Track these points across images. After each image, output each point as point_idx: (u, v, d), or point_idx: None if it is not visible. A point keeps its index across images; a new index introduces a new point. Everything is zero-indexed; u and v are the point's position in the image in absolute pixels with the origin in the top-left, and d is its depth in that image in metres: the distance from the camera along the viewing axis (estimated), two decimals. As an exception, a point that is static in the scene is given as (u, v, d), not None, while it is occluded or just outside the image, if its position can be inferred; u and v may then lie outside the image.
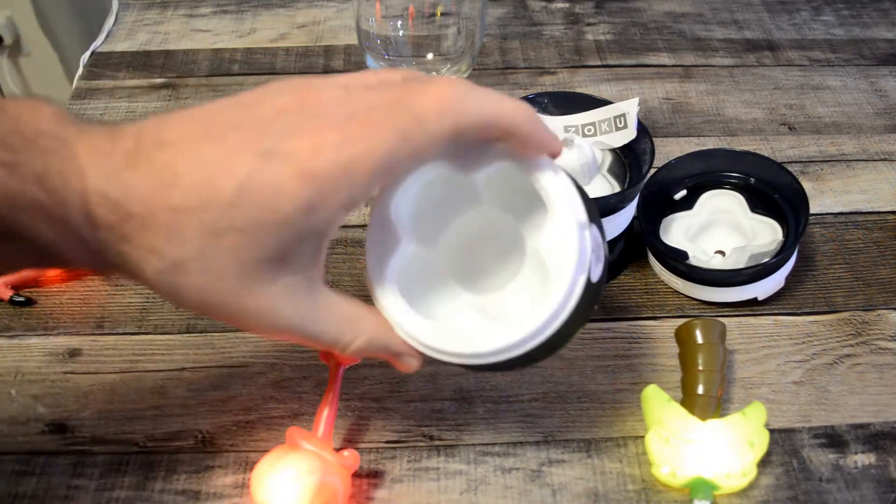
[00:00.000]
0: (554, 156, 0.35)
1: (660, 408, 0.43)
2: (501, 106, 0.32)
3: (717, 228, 0.55)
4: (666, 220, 0.55)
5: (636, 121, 0.52)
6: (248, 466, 0.44)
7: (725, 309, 0.52)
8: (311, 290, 0.33)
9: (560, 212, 0.33)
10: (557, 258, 0.33)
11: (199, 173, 0.30)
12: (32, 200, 0.29)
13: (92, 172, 0.30)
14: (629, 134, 0.52)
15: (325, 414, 0.42)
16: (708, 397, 0.44)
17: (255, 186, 0.30)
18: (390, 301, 0.35)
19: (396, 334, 0.36)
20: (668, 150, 0.63)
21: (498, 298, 0.39)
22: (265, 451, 0.41)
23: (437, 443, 0.45)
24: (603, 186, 0.52)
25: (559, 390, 0.48)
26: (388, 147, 0.30)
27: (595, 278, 0.34)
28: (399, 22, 0.53)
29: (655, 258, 0.54)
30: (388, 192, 0.35)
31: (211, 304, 0.31)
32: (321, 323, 0.34)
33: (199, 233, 0.30)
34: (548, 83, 0.70)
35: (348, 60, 0.72)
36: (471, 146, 0.34)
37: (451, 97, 0.31)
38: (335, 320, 0.34)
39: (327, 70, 0.71)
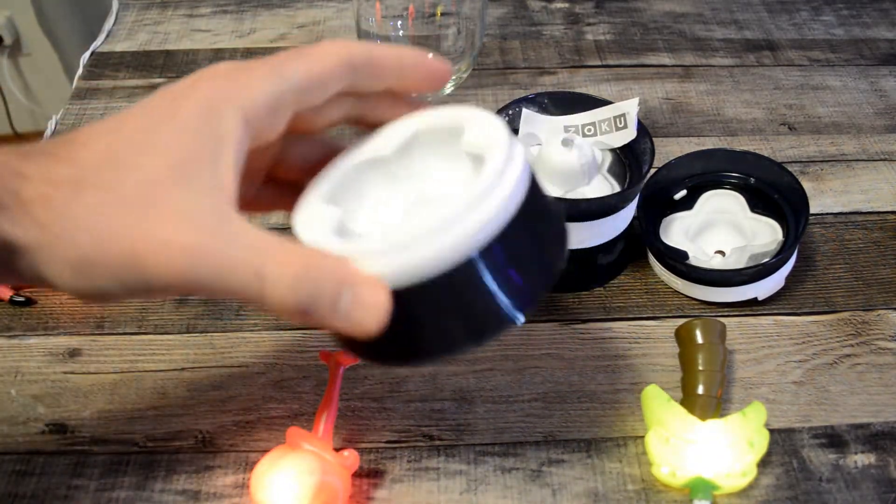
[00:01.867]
0: (444, 79, 0.35)
1: (660, 408, 0.43)
2: (372, 46, 0.33)
3: (717, 228, 0.55)
4: (666, 220, 0.55)
5: (636, 121, 0.52)
6: (248, 466, 0.44)
7: (725, 309, 0.52)
8: (226, 210, 0.29)
9: (489, 120, 0.32)
10: (489, 148, 0.31)
11: (110, 118, 0.30)
12: None
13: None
14: (629, 134, 0.52)
15: (325, 414, 0.42)
16: (708, 397, 0.44)
17: (154, 103, 0.30)
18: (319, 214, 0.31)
19: (340, 260, 0.28)
20: (668, 150, 0.63)
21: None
22: (265, 451, 0.41)
23: (437, 443, 0.45)
24: (603, 186, 0.52)
25: (559, 390, 0.48)
26: (282, 57, 0.31)
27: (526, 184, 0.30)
28: (399, 22, 0.53)
29: (655, 258, 0.54)
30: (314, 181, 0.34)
31: (106, 229, 0.28)
32: (240, 244, 0.28)
33: (97, 153, 0.29)
34: (548, 83, 0.71)
35: (348, 60, 0.72)
36: (374, 98, 0.34)
37: (335, 45, 0.32)
38: (260, 242, 0.28)
39: (327, 70, 0.71)
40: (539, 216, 0.31)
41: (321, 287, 0.28)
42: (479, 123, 0.33)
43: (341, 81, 0.32)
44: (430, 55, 0.34)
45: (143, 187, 0.28)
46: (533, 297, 0.31)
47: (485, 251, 0.29)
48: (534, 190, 0.31)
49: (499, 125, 0.32)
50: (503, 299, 0.30)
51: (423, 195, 0.35)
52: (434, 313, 0.29)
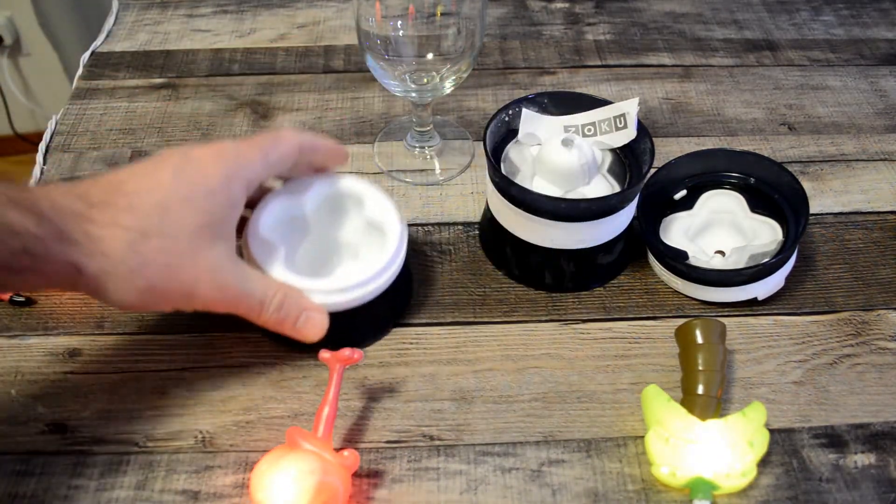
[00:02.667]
0: (341, 159, 0.49)
1: (660, 408, 0.43)
2: (313, 137, 0.48)
3: (717, 228, 0.55)
4: (666, 220, 0.55)
5: (636, 121, 0.52)
6: (248, 466, 0.44)
7: (725, 309, 0.52)
8: (237, 257, 0.43)
9: (385, 202, 0.49)
10: (389, 223, 0.48)
11: (141, 173, 0.41)
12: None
13: (50, 187, 0.39)
14: (629, 134, 0.52)
15: (325, 414, 0.42)
16: (708, 397, 0.44)
17: (186, 170, 0.41)
18: (283, 271, 0.45)
19: (301, 293, 0.44)
20: (668, 150, 0.63)
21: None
22: (265, 451, 0.41)
23: (437, 443, 0.45)
24: (603, 186, 0.52)
25: (559, 390, 0.48)
26: (263, 147, 0.44)
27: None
28: (399, 22, 0.53)
29: (655, 258, 0.54)
30: (254, 221, 0.47)
31: (171, 270, 0.39)
32: (251, 281, 0.43)
33: (152, 207, 0.39)
34: (548, 83, 0.71)
35: (348, 60, 0.72)
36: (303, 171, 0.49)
37: (293, 135, 0.46)
38: (261, 282, 0.43)
39: (327, 70, 0.71)
40: (404, 274, 0.50)
41: (291, 310, 0.44)
42: (376, 199, 0.49)
43: (293, 162, 0.46)
44: (339, 147, 0.49)
45: (192, 238, 0.40)
46: (395, 318, 0.52)
47: (381, 296, 0.47)
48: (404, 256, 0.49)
49: (392, 205, 0.49)
50: (383, 319, 0.51)
51: (336, 240, 0.52)
52: (349, 325, 0.48)
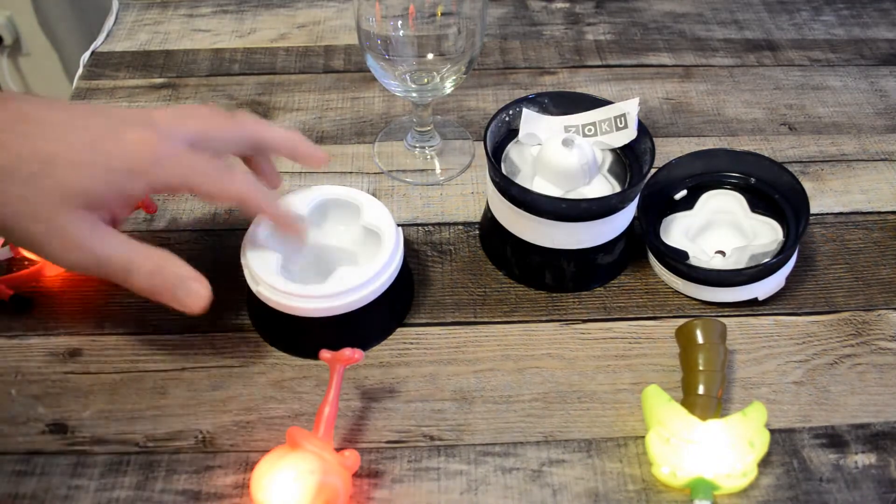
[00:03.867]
0: (320, 163, 0.49)
1: (660, 408, 0.43)
2: (272, 134, 0.47)
3: (718, 228, 0.55)
4: (666, 220, 0.55)
5: (636, 121, 0.52)
6: (248, 466, 0.44)
7: (725, 309, 0.52)
8: (105, 226, 0.41)
9: (376, 206, 0.50)
10: (385, 228, 0.49)
11: (59, 118, 0.39)
12: None
13: None
14: (629, 134, 0.52)
15: (325, 414, 0.42)
16: (708, 397, 0.44)
17: (100, 142, 0.39)
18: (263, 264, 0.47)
19: (184, 263, 0.42)
20: (668, 150, 0.63)
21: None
22: (265, 451, 0.41)
23: (437, 443, 0.45)
24: (603, 186, 0.52)
25: (559, 390, 0.48)
26: (194, 177, 0.42)
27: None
28: (399, 22, 0.53)
29: (655, 258, 0.54)
30: (253, 229, 0.48)
31: (25, 216, 0.38)
32: (112, 246, 0.40)
33: (38, 157, 0.38)
34: (548, 83, 0.71)
35: (348, 60, 0.72)
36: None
37: (249, 188, 0.44)
38: (126, 246, 0.41)
39: (327, 70, 0.71)
40: (404, 277, 0.51)
41: (168, 279, 0.42)
42: (372, 207, 0.50)
43: (241, 148, 0.46)
44: (311, 148, 0.48)
45: (61, 198, 0.38)
46: (393, 324, 0.51)
47: (381, 299, 0.48)
48: (403, 260, 0.49)
49: (387, 212, 0.50)
50: (384, 322, 0.51)
51: (333, 247, 0.52)
52: (350, 329, 0.48)
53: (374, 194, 0.55)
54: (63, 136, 0.39)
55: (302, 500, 0.38)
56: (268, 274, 0.46)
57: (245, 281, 0.47)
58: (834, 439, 0.46)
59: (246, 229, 0.48)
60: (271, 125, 0.48)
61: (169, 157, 0.41)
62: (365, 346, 0.50)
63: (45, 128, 0.39)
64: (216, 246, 0.56)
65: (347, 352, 0.43)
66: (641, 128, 0.52)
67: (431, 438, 0.45)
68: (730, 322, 0.50)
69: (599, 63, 0.73)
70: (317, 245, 0.52)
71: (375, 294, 0.47)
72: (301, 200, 0.50)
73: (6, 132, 0.38)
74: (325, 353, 0.44)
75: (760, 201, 0.55)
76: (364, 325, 0.49)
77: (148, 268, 0.41)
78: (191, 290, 0.42)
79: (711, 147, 0.60)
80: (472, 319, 0.52)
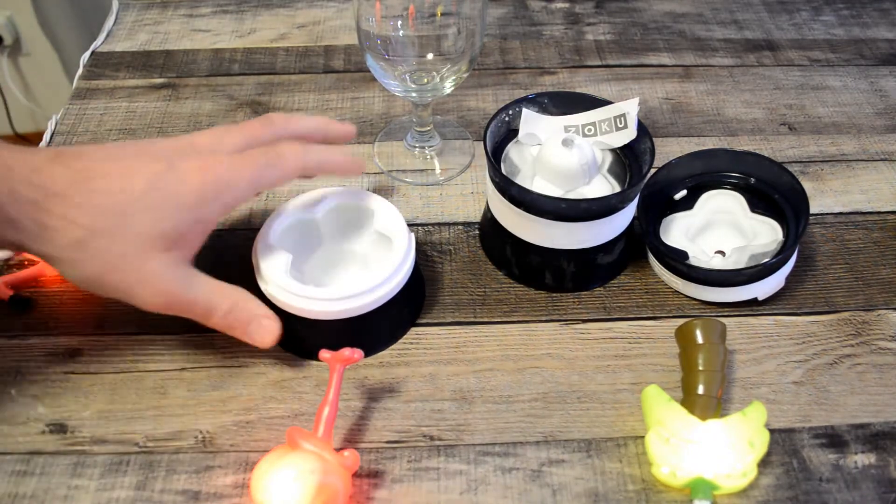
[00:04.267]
0: (348, 136, 0.51)
1: (660, 408, 0.43)
2: (319, 156, 0.47)
3: (717, 228, 0.55)
4: (666, 220, 0.55)
5: (636, 121, 0.52)
6: (248, 466, 0.44)
7: (725, 309, 0.52)
8: (188, 266, 0.43)
9: (390, 210, 0.50)
10: (397, 233, 0.49)
11: (116, 172, 0.40)
12: None
13: (17, 165, 0.39)
14: (629, 134, 0.52)
15: (325, 414, 0.42)
16: (708, 397, 0.44)
17: (164, 181, 0.41)
18: (274, 264, 0.46)
19: (257, 301, 0.45)
20: (668, 150, 0.63)
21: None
22: (265, 451, 0.41)
23: (437, 443, 0.45)
24: (603, 186, 0.52)
25: (559, 390, 0.48)
26: (257, 173, 0.44)
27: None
28: (399, 22, 0.53)
29: (655, 258, 0.54)
30: (265, 229, 0.48)
31: (113, 268, 0.40)
32: (195, 289, 0.43)
33: (111, 210, 0.40)
34: (548, 83, 0.71)
35: (348, 60, 0.72)
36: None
37: (300, 148, 0.46)
38: (207, 288, 0.43)
39: (327, 70, 0.71)
40: (415, 281, 0.51)
41: (241, 316, 0.44)
42: (386, 211, 0.50)
43: (290, 180, 0.46)
44: (349, 161, 0.49)
45: (143, 244, 0.40)
46: (406, 326, 0.51)
47: (392, 302, 0.47)
48: (415, 264, 0.49)
49: (400, 216, 0.50)
50: (395, 325, 0.51)
51: (345, 249, 0.53)
52: (360, 331, 0.48)
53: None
54: (129, 186, 0.40)
55: (302, 500, 0.38)
56: (277, 274, 0.46)
57: (255, 280, 0.47)
58: (834, 439, 0.46)
59: (246, 229, 0.49)
60: (298, 116, 0.49)
61: (229, 171, 0.43)
62: (373, 349, 0.50)
63: (110, 181, 0.40)
64: (216, 246, 0.56)
65: (347, 351, 0.43)
66: (641, 128, 0.52)
67: (431, 438, 0.45)
68: (730, 322, 0.50)
69: (599, 63, 0.73)
70: (328, 248, 0.52)
71: (386, 298, 0.47)
72: (313, 203, 0.50)
73: (79, 193, 0.39)
74: (325, 353, 0.44)
75: (760, 201, 0.55)
76: (373, 329, 0.49)
77: (225, 307, 0.43)
78: (262, 326, 0.44)
79: (711, 147, 0.60)
80: (472, 319, 0.52)
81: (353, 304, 0.45)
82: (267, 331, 0.44)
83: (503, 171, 0.51)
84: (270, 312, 0.45)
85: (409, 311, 0.51)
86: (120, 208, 0.40)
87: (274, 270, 0.46)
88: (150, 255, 0.41)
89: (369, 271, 0.47)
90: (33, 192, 0.39)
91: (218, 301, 0.43)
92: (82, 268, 0.40)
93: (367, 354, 0.48)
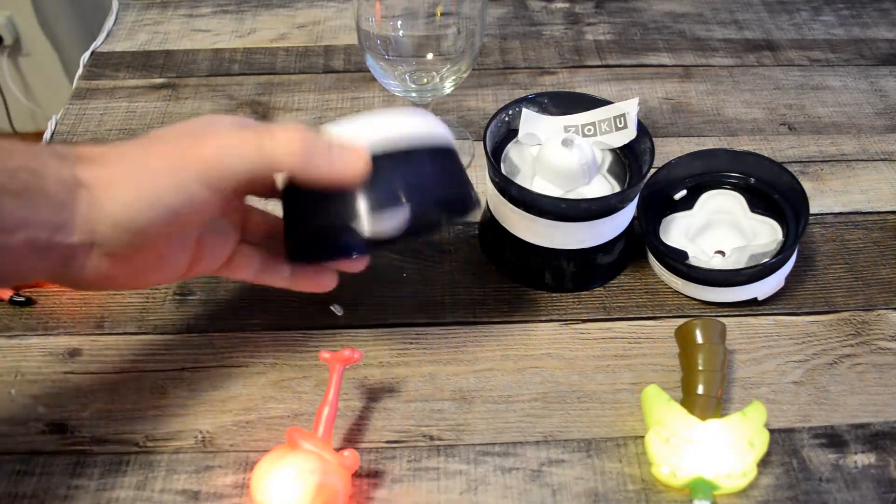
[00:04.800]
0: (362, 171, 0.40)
1: (660, 407, 0.43)
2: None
3: (717, 228, 0.55)
4: (666, 220, 0.55)
5: (636, 121, 0.52)
6: (248, 466, 0.44)
7: (725, 309, 0.52)
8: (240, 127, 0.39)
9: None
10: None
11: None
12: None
13: (51, 148, 0.37)
14: (629, 134, 0.52)
15: (325, 414, 0.42)
16: (708, 397, 0.44)
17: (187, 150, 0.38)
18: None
19: (328, 133, 0.39)
20: (668, 150, 0.63)
21: None
22: (265, 451, 0.41)
23: (437, 443, 0.45)
24: (603, 186, 0.52)
25: (559, 390, 0.48)
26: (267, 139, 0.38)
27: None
28: (399, 22, 0.53)
29: (655, 258, 0.54)
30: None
31: (180, 164, 0.37)
32: (257, 138, 0.38)
33: (139, 152, 0.37)
34: (548, 83, 0.71)
35: (348, 60, 0.72)
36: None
37: (298, 137, 0.39)
38: (287, 138, 0.38)
39: (327, 70, 0.71)
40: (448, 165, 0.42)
41: (317, 145, 0.38)
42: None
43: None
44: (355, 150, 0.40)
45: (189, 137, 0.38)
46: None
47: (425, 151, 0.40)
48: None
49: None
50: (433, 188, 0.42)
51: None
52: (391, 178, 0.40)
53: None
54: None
55: (301, 500, 0.38)
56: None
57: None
58: (833, 439, 0.46)
59: None
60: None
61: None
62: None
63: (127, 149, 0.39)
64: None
65: (347, 352, 0.43)
66: (641, 128, 0.52)
67: (431, 438, 0.45)
68: (729, 322, 0.50)
69: (599, 63, 0.73)
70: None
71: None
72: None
73: (110, 152, 0.38)
74: (325, 354, 0.44)
75: (760, 201, 0.55)
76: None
77: (298, 137, 0.38)
78: (347, 151, 0.39)
79: (711, 147, 0.60)
80: (472, 319, 0.52)
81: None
82: (354, 154, 0.38)
83: (503, 171, 0.51)
84: (349, 143, 0.39)
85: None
86: (143, 151, 0.38)
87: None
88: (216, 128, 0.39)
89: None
90: (71, 150, 0.37)
91: (287, 133, 0.38)
92: (144, 176, 0.37)
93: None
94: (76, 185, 0.36)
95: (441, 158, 0.42)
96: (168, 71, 0.71)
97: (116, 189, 0.36)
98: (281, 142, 0.38)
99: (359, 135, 0.39)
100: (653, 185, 0.55)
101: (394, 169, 0.40)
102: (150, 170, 0.37)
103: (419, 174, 0.41)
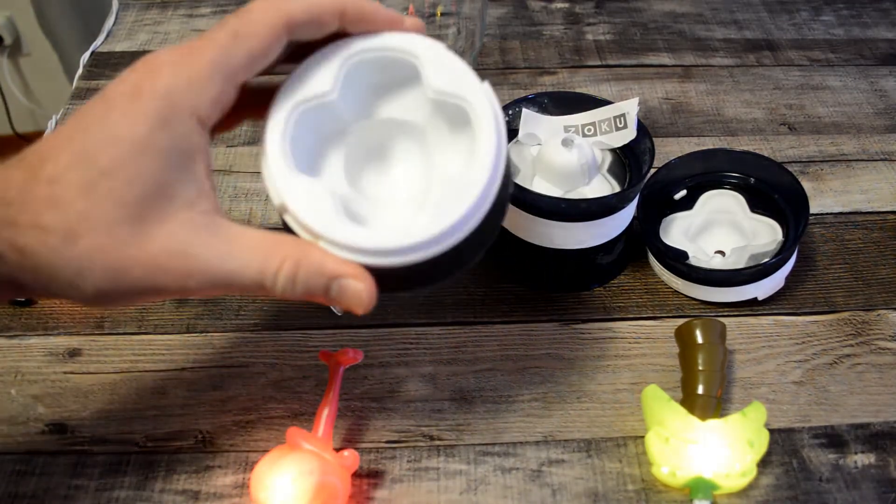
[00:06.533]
0: (395, 26, 0.34)
1: (660, 407, 0.43)
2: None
3: (717, 228, 0.55)
4: (666, 220, 0.55)
5: (636, 121, 0.52)
6: (248, 466, 0.44)
7: (725, 309, 0.52)
8: (213, 223, 0.31)
9: (476, 93, 0.33)
10: (469, 97, 0.33)
11: (64, 141, 0.30)
12: None
13: None
14: (629, 134, 0.52)
15: (324, 414, 0.42)
16: (708, 397, 0.44)
17: (105, 129, 0.30)
18: (312, 208, 0.32)
19: (325, 252, 0.32)
20: (668, 150, 0.63)
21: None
22: (265, 451, 0.41)
23: (437, 443, 0.45)
24: (603, 186, 0.52)
25: (559, 390, 0.48)
26: (219, 46, 0.31)
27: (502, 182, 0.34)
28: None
29: (655, 258, 0.54)
30: (270, 121, 0.33)
31: (119, 269, 0.30)
32: (237, 255, 0.31)
33: (75, 194, 0.29)
34: (548, 83, 0.71)
35: (348, 60, 0.72)
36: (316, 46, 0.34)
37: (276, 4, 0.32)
38: (252, 248, 0.31)
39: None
40: (503, 196, 0.34)
41: (314, 281, 0.32)
42: (439, 62, 0.34)
43: (280, 48, 0.33)
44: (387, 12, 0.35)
45: (131, 222, 0.30)
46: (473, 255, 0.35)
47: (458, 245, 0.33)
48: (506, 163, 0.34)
49: (463, 67, 0.34)
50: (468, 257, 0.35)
51: (393, 121, 0.36)
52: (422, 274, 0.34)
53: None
54: (78, 151, 0.31)
55: (301, 499, 0.38)
56: (328, 222, 0.32)
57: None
58: (833, 439, 0.46)
59: None
60: None
61: (175, 69, 0.31)
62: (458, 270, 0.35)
63: (60, 157, 0.31)
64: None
65: (349, 353, 0.43)
66: (641, 128, 0.52)
67: (431, 438, 0.45)
68: (729, 322, 0.50)
69: (599, 63, 0.73)
70: (369, 128, 0.37)
71: (474, 226, 0.32)
72: (321, 75, 0.34)
73: (29, 200, 0.30)
74: (325, 353, 0.44)
75: (760, 201, 0.55)
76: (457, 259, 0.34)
77: (286, 273, 0.32)
78: (348, 289, 0.32)
79: (711, 147, 0.60)
80: (472, 319, 0.52)
81: (444, 245, 0.32)
82: (354, 293, 0.32)
83: (503, 171, 0.51)
84: (353, 267, 0.32)
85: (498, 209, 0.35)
86: (82, 187, 0.30)
87: (320, 217, 0.32)
88: (150, 228, 0.30)
89: (440, 168, 0.34)
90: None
91: (274, 267, 0.31)
92: (84, 285, 0.30)
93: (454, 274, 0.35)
94: (20, 288, 0.31)
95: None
96: (168, 71, 0.71)
97: (65, 292, 0.31)
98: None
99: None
100: (653, 185, 0.55)
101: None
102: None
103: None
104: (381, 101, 0.37)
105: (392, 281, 0.33)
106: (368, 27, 0.34)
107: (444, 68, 0.34)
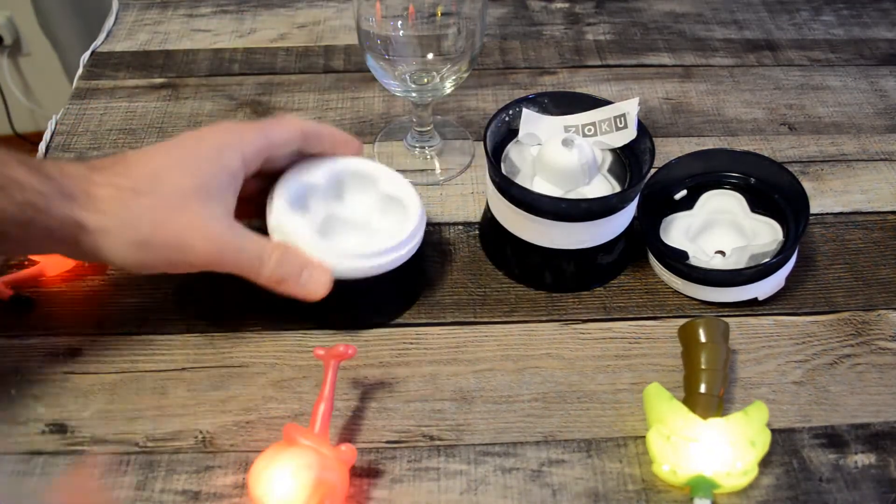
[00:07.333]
0: (355, 152, 0.51)
1: (661, 406, 0.43)
2: (317, 124, 0.50)
3: (717, 228, 0.55)
4: (666, 220, 0.55)
5: (636, 121, 0.52)
6: (248, 466, 0.44)
7: (725, 309, 0.52)
8: (231, 218, 0.44)
9: (406, 188, 0.51)
10: (407, 196, 0.50)
11: (146, 149, 0.45)
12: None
13: (63, 163, 0.43)
14: (629, 134, 0.52)
15: (321, 409, 0.42)
16: (710, 396, 0.44)
17: (183, 142, 0.45)
18: (296, 225, 0.46)
19: (303, 253, 0.45)
20: (668, 150, 0.63)
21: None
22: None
23: (437, 443, 0.45)
24: (603, 186, 0.52)
25: (559, 390, 0.48)
26: (265, 123, 0.47)
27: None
28: (399, 22, 0.53)
29: (655, 258, 0.54)
30: (280, 183, 0.48)
31: (162, 223, 0.42)
32: (246, 239, 0.44)
33: (146, 172, 0.43)
34: (548, 83, 0.71)
35: (348, 60, 0.72)
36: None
37: (296, 120, 0.49)
38: (256, 241, 0.45)
39: (327, 70, 0.71)
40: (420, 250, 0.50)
41: (292, 268, 0.45)
42: (390, 176, 0.51)
43: (297, 144, 0.48)
44: (347, 136, 0.51)
45: (182, 197, 0.43)
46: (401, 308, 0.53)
47: (405, 266, 0.49)
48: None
49: (405, 182, 0.51)
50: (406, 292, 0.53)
51: (354, 218, 0.51)
52: (362, 295, 0.50)
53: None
54: (160, 155, 0.44)
55: (299, 494, 0.38)
56: (297, 233, 0.46)
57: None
58: (834, 439, 0.46)
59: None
60: (309, 121, 0.51)
61: (239, 125, 0.46)
62: (388, 315, 0.51)
63: (146, 156, 0.44)
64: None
65: (340, 347, 0.43)
66: (641, 128, 0.52)
67: (431, 438, 0.45)
68: (730, 322, 0.50)
69: (599, 63, 0.73)
70: (334, 213, 0.51)
71: (408, 255, 0.48)
72: (316, 168, 0.50)
73: (119, 164, 0.43)
74: (319, 350, 0.44)
75: (760, 201, 0.55)
76: (389, 293, 0.51)
77: (276, 257, 0.44)
78: (315, 277, 0.45)
79: (711, 147, 0.60)
80: (472, 319, 0.52)
81: (386, 259, 0.47)
82: (318, 281, 0.45)
83: (503, 171, 0.51)
84: (319, 262, 0.45)
85: (418, 276, 0.53)
86: (153, 169, 0.43)
87: (298, 231, 0.46)
88: (193, 206, 0.43)
89: (383, 233, 0.48)
90: (80, 168, 0.42)
91: (269, 251, 0.44)
92: (132, 230, 0.42)
93: (386, 318, 0.51)
94: (78, 228, 0.41)
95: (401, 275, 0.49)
96: (168, 71, 0.71)
97: (113, 238, 0.42)
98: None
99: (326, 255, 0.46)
100: (653, 185, 0.55)
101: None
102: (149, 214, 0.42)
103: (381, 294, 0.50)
104: (347, 194, 0.52)
105: (340, 285, 0.46)
106: (336, 152, 0.51)
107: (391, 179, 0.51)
